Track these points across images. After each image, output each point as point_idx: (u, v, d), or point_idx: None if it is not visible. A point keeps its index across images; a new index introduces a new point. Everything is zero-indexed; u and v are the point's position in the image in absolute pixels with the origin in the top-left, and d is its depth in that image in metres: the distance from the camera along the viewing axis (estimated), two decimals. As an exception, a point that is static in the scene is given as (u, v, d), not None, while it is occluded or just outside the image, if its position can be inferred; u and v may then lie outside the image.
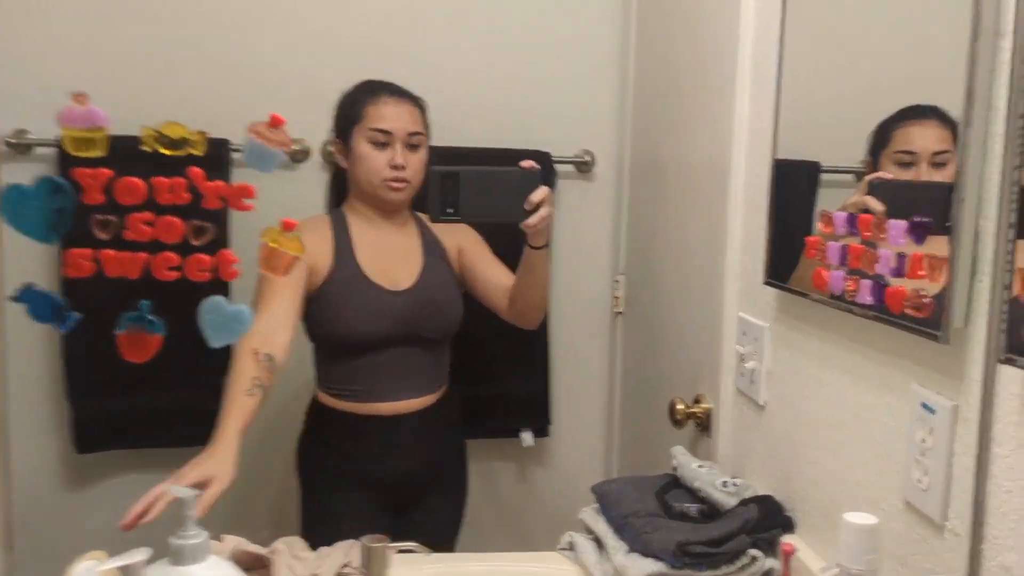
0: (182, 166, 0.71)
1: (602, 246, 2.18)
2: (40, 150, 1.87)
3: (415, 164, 1.60)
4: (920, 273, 0.82)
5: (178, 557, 0.72)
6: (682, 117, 1.66)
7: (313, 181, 2.04)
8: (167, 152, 0.68)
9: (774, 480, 1.21)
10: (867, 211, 0.91)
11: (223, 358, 1.89)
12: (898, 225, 0.86)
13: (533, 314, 1.64)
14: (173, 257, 0.70)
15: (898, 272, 0.86)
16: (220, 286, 0.76)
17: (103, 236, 0.69)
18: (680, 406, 1.51)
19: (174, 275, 0.70)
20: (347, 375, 1.61)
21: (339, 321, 1.57)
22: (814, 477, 1.09)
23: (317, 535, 1.56)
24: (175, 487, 0.76)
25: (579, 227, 2.15)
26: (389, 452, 1.62)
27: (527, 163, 1.36)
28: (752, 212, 1.29)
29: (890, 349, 0.91)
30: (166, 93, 1.92)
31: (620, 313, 2.14)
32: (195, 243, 0.71)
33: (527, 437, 2.06)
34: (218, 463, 1.21)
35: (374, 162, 1.57)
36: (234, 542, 0.98)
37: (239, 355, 1.39)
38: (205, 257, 0.71)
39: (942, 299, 0.79)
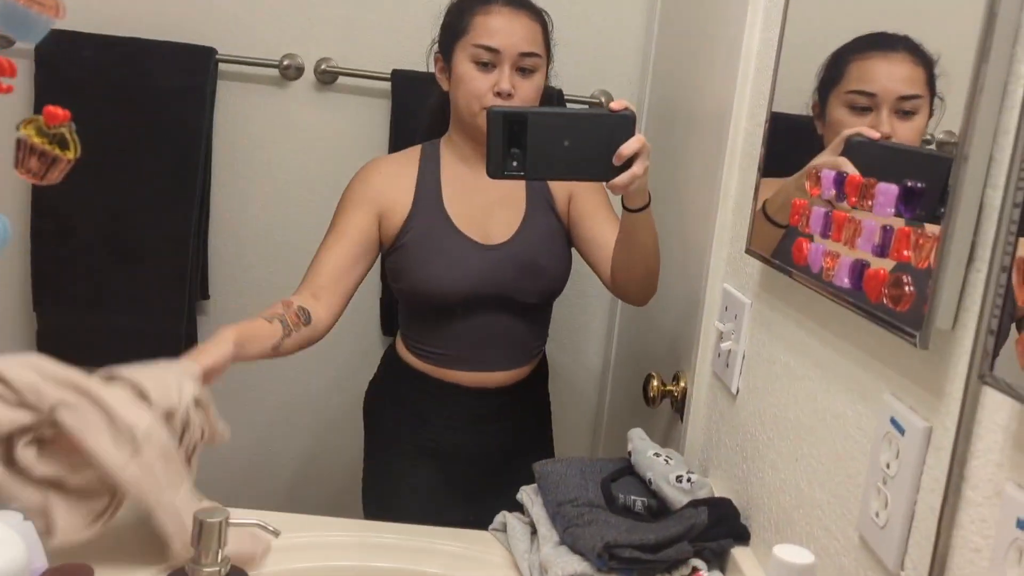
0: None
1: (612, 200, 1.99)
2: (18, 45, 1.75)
3: (526, 92, 1.32)
4: (905, 253, 0.63)
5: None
6: (696, 61, 1.45)
7: (306, 101, 1.90)
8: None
9: (735, 481, 1.04)
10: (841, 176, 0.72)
11: (187, 285, 1.84)
12: (888, 191, 0.66)
13: (639, 291, 1.33)
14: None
15: (881, 250, 0.67)
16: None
17: None
18: (655, 382, 1.34)
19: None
20: (428, 334, 1.41)
21: (417, 276, 1.35)
22: (774, 484, 0.92)
23: (377, 498, 1.48)
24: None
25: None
26: (468, 426, 1.43)
27: (619, 103, 1.06)
28: (749, 169, 1.10)
29: (866, 346, 0.73)
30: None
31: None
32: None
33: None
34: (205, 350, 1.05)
35: (476, 85, 1.30)
36: None
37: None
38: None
39: (925, 289, 0.61)
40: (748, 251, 1.01)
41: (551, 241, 1.40)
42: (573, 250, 1.44)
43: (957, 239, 0.58)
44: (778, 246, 0.92)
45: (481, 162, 1.24)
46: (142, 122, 1.81)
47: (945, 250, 0.59)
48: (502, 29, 1.30)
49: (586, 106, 1.89)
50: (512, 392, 1.44)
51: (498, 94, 1.30)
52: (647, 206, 1.18)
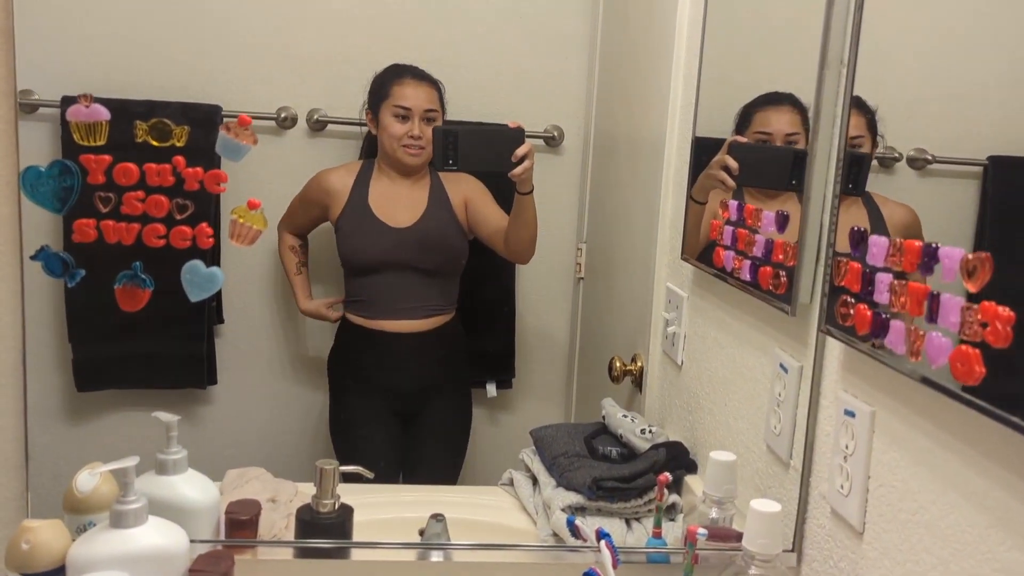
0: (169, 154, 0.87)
1: (568, 216, 2.33)
2: (44, 110, 2.02)
3: (429, 135, 1.94)
4: (780, 257, 0.99)
5: (162, 468, 0.90)
6: (635, 96, 1.82)
7: (299, 147, 2.20)
8: (156, 143, 0.84)
9: (685, 429, 1.39)
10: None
11: (206, 312, 2.12)
12: (768, 216, 1.02)
13: (524, 251, 1.94)
14: (160, 228, 0.87)
15: (767, 255, 1.02)
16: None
17: (103, 209, 0.86)
18: (618, 364, 1.69)
19: (161, 243, 0.87)
20: (359, 291, 1.98)
21: (348, 245, 1.96)
22: (711, 426, 1.27)
23: (337, 435, 2.02)
24: (158, 413, 0.93)
25: (548, 198, 2.29)
26: (392, 364, 1.97)
27: (514, 123, 1.67)
28: (680, 194, 1.45)
29: (762, 318, 1.09)
30: (164, 63, 2.08)
31: (581, 279, 2.30)
32: (178, 217, 0.87)
33: (491, 388, 2.25)
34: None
35: (396, 131, 1.93)
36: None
37: (282, 251, 1.98)
38: (187, 229, 0.88)
39: (793, 279, 0.96)
40: (683, 258, 1.36)
41: (444, 228, 1.99)
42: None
43: (808, 249, 0.94)
44: (702, 253, 1.27)
45: (400, 178, 1.98)
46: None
47: (801, 255, 0.94)
48: (412, 95, 1.95)
49: (541, 141, 2.26)
50: (422, 338, 1.98)
51: (411, 137, 1.94)
52: (532, 191, 1.78)
